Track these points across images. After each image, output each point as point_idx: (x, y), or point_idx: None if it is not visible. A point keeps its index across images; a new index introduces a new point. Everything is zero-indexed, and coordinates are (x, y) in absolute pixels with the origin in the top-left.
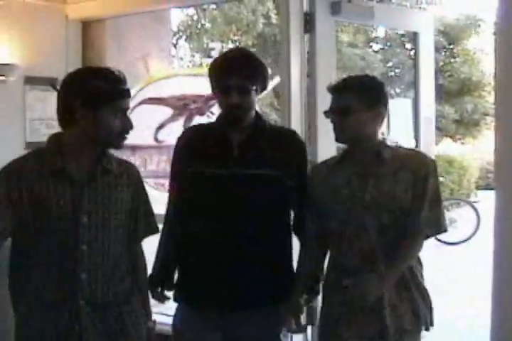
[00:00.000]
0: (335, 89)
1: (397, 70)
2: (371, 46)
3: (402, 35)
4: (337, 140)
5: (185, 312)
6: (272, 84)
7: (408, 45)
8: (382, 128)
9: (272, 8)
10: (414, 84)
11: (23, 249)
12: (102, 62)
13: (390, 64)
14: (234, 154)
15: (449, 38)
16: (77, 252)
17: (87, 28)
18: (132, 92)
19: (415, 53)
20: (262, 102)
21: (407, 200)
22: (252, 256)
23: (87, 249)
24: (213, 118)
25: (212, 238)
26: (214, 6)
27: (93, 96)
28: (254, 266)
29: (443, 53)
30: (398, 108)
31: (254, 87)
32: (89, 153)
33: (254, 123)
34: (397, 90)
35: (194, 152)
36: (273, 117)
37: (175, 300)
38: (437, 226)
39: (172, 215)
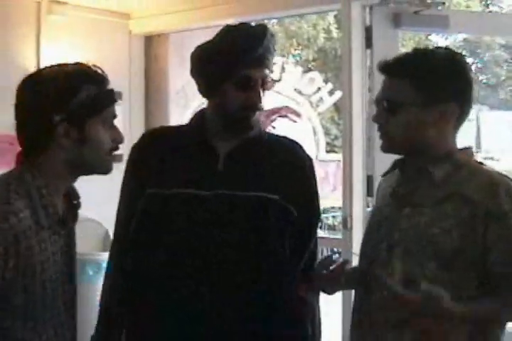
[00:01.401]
0: (383, 69)
1: None
2: None
3: (464, 49)
4: (381, 148)
5: None
6: (333, 98)
7: (469, 60)
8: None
9: (332, 22)
10: None
11: None
12: (165, 76)
13: None
14: (219, 168)
15: (511, 52)
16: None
17: (151, 42)
18: (194, 107)
19: None
20: (322, 116)
21: (451, 245)
22: (241, 310)
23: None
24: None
25: (185, 286)
26: (275, 21)
27: (82, 106)
28: (243, 319)
29: (505, 67)
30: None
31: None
32: (64, 184)
33: None
34: None
35: (161, 166)
36: (334, 132)
37: None
38: None
39: (121, 256)
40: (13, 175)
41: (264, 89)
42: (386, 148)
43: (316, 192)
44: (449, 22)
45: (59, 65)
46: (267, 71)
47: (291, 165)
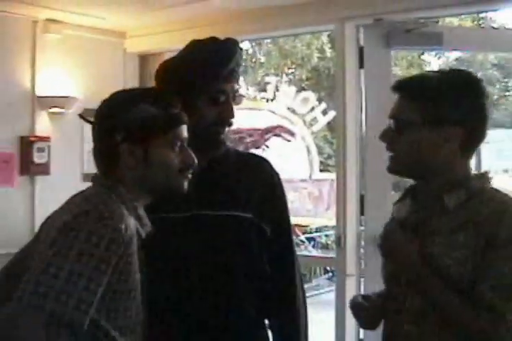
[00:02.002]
0: (395, 88)
1: None
2: None
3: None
4: (387, 169)
5: None
6: (327, 118)
7: None
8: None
9: (326, 42)
10: None
11: None
12: None
13: None
14: (190, 189)
15: (503, 71)
16: None
17: (146, 61)
18: None
19: None
20: (315, 135)
21: (464, 275)
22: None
23: None
24: (269, 152)
25: (173, 309)
26: (269, 40)
27: (141, 125)
28: None
29: (497, 87)
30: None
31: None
32: (143, 202)
33: None
34: None
35: None
36: (327, 151)
37: None
38: None
39: None
40: (106, 186)
41: (235, 104)
42: (391, 169)
43: (287, 210)
44: (442, 39)
45: (129, 88)
46: (236, 85)
47: (261, 182)
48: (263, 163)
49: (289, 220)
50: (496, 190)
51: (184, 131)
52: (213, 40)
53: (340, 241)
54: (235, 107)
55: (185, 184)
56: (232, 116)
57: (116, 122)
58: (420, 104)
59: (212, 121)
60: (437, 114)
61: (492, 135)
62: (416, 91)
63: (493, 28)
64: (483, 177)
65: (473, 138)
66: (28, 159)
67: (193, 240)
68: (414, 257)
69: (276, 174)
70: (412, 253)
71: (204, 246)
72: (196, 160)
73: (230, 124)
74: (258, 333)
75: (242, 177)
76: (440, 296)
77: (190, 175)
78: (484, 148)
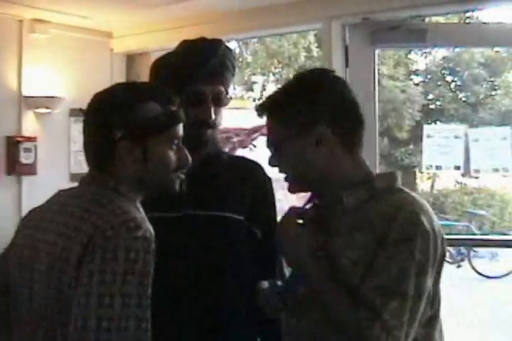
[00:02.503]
0: (257, 114)
1: (437, 103)
2: (411, 79)
3: (443, 67)
4: (288, 191)
5: None
6: None
7: (449, 78)
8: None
9: (313, 41)
10: None
11: None
12: None
13: (430, 96)
14: (183, 189)
15: (490, 70)
16: None
17: (132, 61)
18: None
19: None
20: None
21: (357, 275)
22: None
23: None
24: (256, 151)
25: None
26: (256, 40)
27: (143, 123)
28: None
29: (483, 86)
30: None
31: (229, 96)
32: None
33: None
34: (438, 123)
35: None
36: None
37: None
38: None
39: None
40: (104, 185)
41: (218, 106)
42: (289, 190)
43: (276, 214)
44: (427, 35)
45: (129, 82)
46: (221, 87)
47: (253, 186)
48: (256, 167)
49: (275, 224)
50: (401, 190)
51: (181, 129)
52: (198, 41)
53: None
54: (220, 109)
55: (178, 183)
56: (210, 118)
57: (117, 119)
58: (280, 119)
59: (192, 122)
60: (297, 122)
61: (481, 134)
62: (271, 108)
63: (481, 23)
64: (389, 176)
65: (347, 131)
66: (14, 159)
67: (183, 240)
68: (303, 248)
69: (269, 179)
70: (302, 242)
71: (193, 246)
72: (190, 160)
73: (210, 126)
74: (249, 333)
75: (233, 180)
76: (325, 292)
77: (182, 175)
78: (473, 147)
